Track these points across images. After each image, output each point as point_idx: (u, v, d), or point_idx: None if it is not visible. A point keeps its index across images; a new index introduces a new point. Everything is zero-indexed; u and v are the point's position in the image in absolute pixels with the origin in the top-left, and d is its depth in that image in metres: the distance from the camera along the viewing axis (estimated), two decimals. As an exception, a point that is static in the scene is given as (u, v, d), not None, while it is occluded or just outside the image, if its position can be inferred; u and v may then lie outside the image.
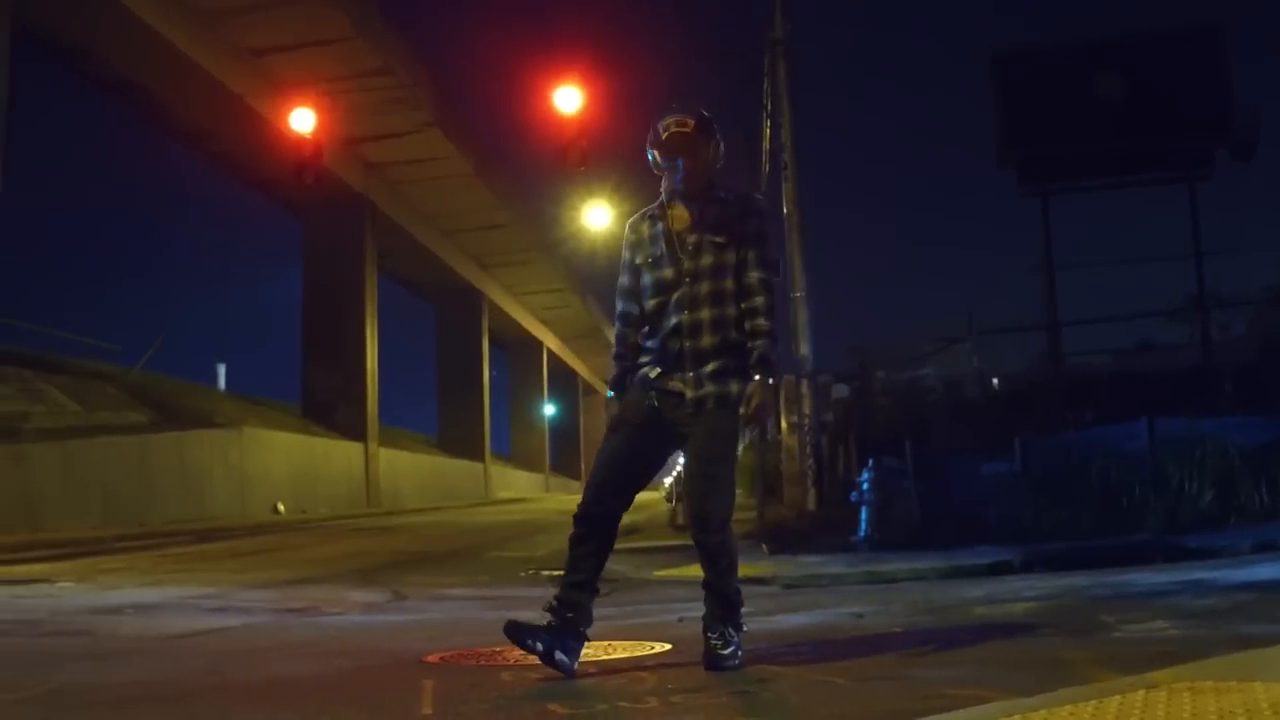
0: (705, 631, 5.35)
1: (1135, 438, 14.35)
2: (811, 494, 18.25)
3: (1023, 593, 8.60)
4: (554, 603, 5.27)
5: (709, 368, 5.29)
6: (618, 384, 5.62)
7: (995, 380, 26.58)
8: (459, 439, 60.85)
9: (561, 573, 5.47)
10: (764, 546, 14.39)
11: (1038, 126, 23.96)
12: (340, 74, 34.01)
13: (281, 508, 34.87)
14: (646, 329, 5.49)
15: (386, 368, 47.14)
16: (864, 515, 13.99)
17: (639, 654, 5.97)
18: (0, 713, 4.84)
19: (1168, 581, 8.60)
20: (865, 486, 14.16)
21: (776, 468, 22.41)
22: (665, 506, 26.26)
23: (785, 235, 18.84)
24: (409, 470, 50.30)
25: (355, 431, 43.72)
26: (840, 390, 26.59)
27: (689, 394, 5.28)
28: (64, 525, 22.33)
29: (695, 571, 5.47)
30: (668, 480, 32.46)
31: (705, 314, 5.33)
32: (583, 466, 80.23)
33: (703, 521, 5.30)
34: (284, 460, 37.08)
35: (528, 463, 79.12)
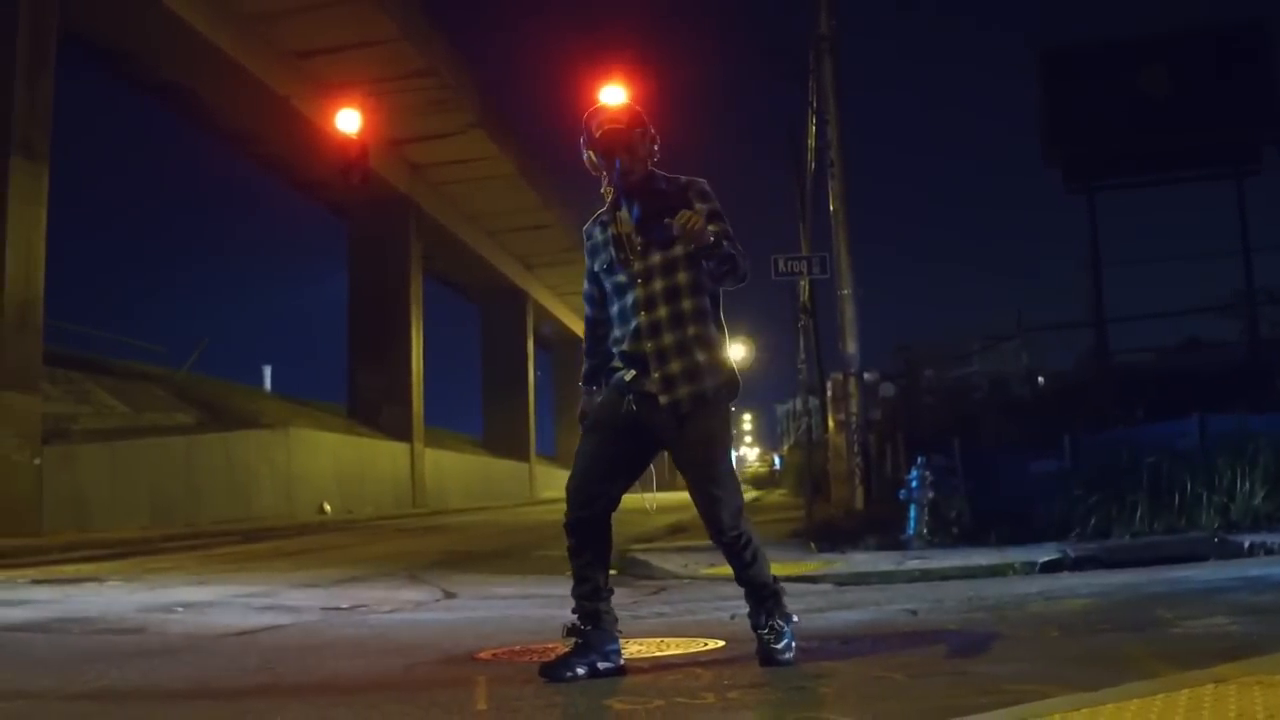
0: (755, 629, 5.35)
1: (1186, 435, 14.21)
2: (859, 492, 18.11)
3: (1077, 589, 8.51)
4: (574, 621, 5.26)
5: (675, 367, 5.22)
6: (590, 378, 5.65)
7: (1040, 378, 26.40)
8: (504, 439, 61.02)
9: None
10: (812, 545, 14.33)
11: (1083, 123, 23.77)
12: (385, 75, 34.11)
13: (328, 508, 35.02)
14: (616, 333, 5.42)
15: (432, 368, 47.32)
16: (913, 513, 13.90)
17: (693, 650, 5.95)
18: (55, 709, 4.87)
19: (1224, 578, 8.50)
20: (914, 484, 14.07)
21: (824, 466, 22.33)
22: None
23: (832, 233, 18.74)
24: (454, 470, 50.43)
25: (401, 432, 43.86)
26: (887, 389, 26.48)
27: (663, 399, 5.22)
28: (112, 525, 22.50)
29: (741, 569, 5.45)
30: None
31: (662, 312, 5.26)
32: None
33: (716, 523, 5.29)
34: (330, 460, 37.25)
35: (572, 462, 79.01)
